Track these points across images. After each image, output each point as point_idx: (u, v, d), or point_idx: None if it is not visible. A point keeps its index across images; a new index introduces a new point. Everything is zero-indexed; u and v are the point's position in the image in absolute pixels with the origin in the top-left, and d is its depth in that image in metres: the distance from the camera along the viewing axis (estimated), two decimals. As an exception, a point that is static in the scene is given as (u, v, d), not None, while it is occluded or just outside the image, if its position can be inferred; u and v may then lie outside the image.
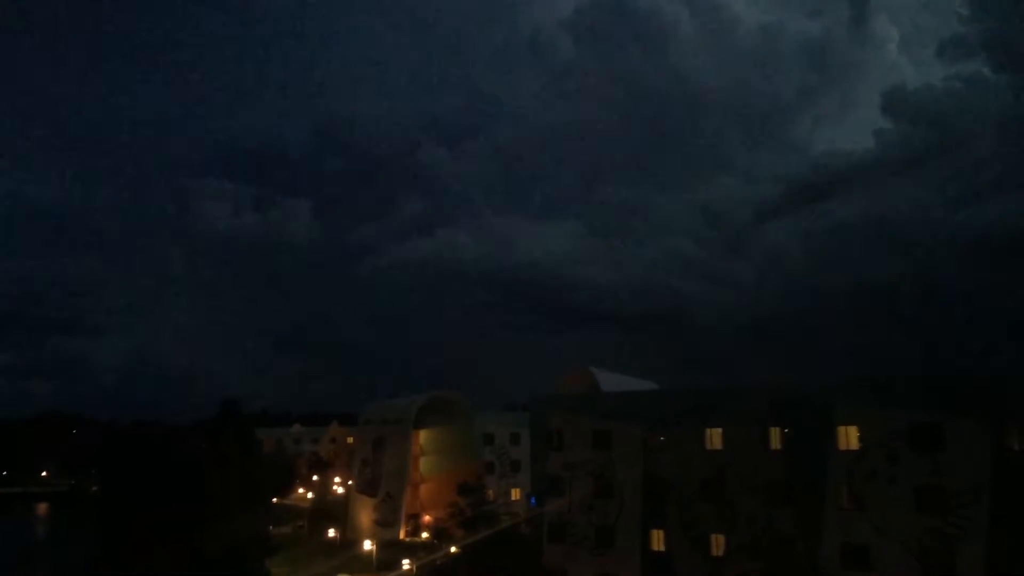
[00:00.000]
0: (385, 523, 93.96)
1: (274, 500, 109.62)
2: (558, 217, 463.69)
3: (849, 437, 49.33)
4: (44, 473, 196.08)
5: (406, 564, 69.79)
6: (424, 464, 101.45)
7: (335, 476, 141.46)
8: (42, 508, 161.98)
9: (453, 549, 72.97)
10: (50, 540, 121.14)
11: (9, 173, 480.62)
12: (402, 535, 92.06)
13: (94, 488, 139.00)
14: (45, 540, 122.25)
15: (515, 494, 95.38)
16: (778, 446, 52.31)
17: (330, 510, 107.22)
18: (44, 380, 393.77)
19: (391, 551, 78.76)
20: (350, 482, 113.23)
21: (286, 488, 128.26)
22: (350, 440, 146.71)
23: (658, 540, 56.23)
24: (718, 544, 53.15)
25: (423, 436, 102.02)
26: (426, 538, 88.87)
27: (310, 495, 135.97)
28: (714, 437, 54.87)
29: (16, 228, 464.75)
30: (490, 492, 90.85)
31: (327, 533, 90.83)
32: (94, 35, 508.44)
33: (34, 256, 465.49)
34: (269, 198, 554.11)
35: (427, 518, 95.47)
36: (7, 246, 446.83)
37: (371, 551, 75.32)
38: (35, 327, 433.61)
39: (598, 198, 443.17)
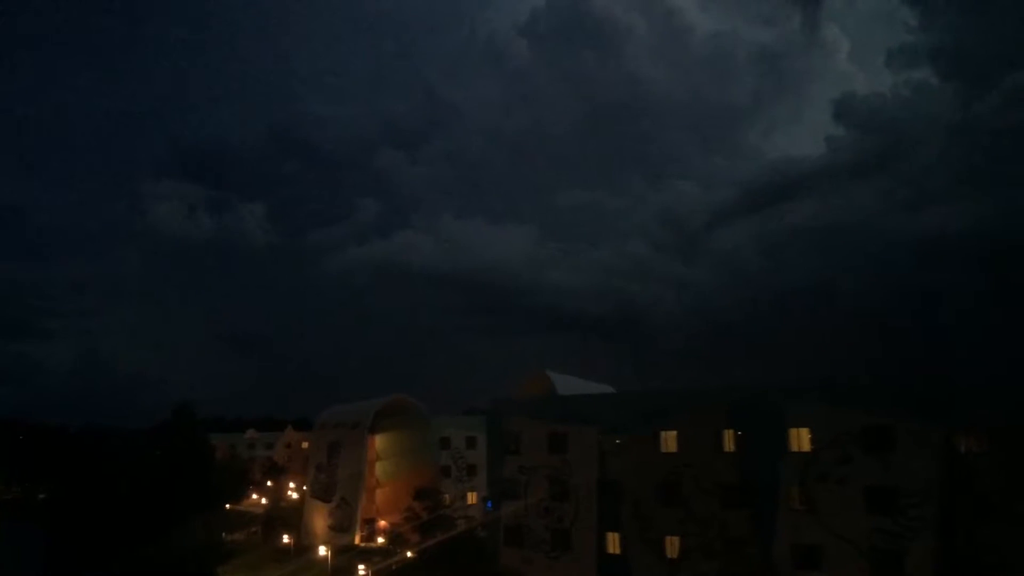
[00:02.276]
0: (340, 528, 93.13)
1: (227, 506, 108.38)
2: (516, 221, 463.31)
3: (801, 439, 49.95)
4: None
5: (361, 570, 69.17)
6: (380, 468, 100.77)
7: (290, 481, 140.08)
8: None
9: (409, 554, 72.71)
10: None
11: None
12: (357, 540, 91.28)
13: (41, 496, 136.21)
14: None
15: (471, 498, 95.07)
16: (732, 448, 52.81)
17: (284, 516, 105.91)
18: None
19: (346, 556, 78.04)
20: (305, 487, 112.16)
21: (240, 494, 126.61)
22: (305, 445, 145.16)
23: (614, 543, 56.42)
24: (673, 546, 53.49)
25: (379, 440, 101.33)
26: (382, 543, 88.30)
27: (264, 501, 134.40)
28: (669, 440, 55.22)
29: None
30: (446, 496, 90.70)
31: (281, 539, 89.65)
32: (48, 35, 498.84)
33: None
34: (224, 200, 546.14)
35: (383, 523, 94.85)
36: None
37: (326, 557, 74.52)
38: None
39: (555, 202, 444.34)
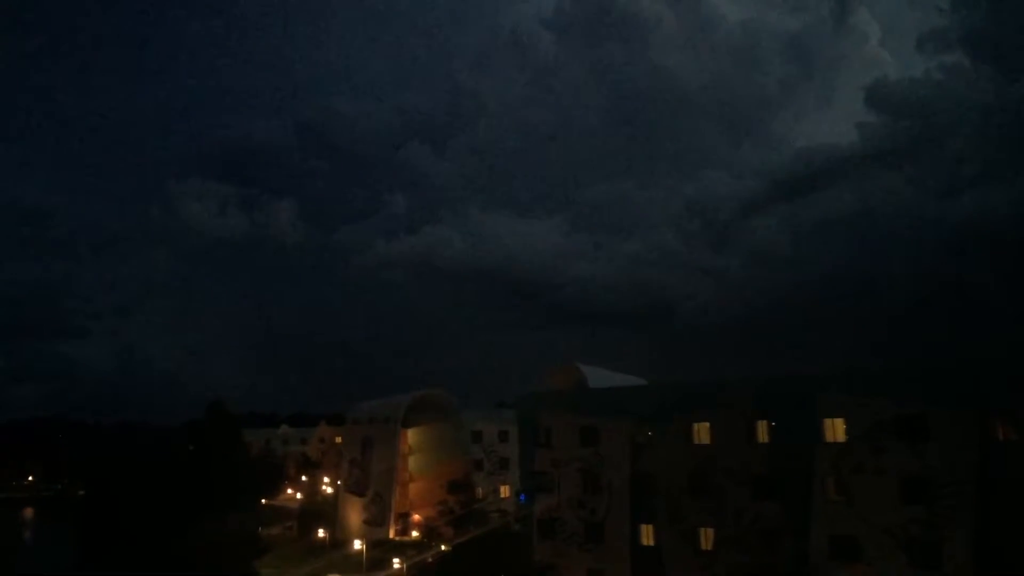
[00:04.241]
0: (374, 522, 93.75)
1: (263, 501, 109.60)
2: (543, 214, 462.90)
3: (835, 429, 49.43)
4: (30, 478, 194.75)
5: (396, 563, 69.61)
6: (413, 463, 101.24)
7: (324, 476, 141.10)
8: (28, 512, 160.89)
9: (443, 547, 73.01)
10: (36, 543, 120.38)
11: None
12: (392, 534, 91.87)
13: (80, 492, 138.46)
14: (31, 543, 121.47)
15: (504, 491, 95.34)
16: (765, 439, 52.43)
17: (319, 510, 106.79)
18: (29, 384, 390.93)
19: (381, 550, 78.58)
20: (339, 482, 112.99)
21: (274, 489, 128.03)
22: (338, 440, 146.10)
23: (647, 535, 56.28)
24: (707, 538, 53.20)
25: (411, 435, 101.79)
26: (416, 537, 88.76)
27: (299, 496, 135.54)
28: (701, 431, 54.91)
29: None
30: (479, 490, 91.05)
31: (316, 533, 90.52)
32: (76, 37, 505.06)
33: (17, 259, 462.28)
34: (254, 198, 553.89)
35: (417, 517, 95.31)
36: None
37: (361, 551, 75.11)
38: (20, 331, 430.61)
39: (583, 194, 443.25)
